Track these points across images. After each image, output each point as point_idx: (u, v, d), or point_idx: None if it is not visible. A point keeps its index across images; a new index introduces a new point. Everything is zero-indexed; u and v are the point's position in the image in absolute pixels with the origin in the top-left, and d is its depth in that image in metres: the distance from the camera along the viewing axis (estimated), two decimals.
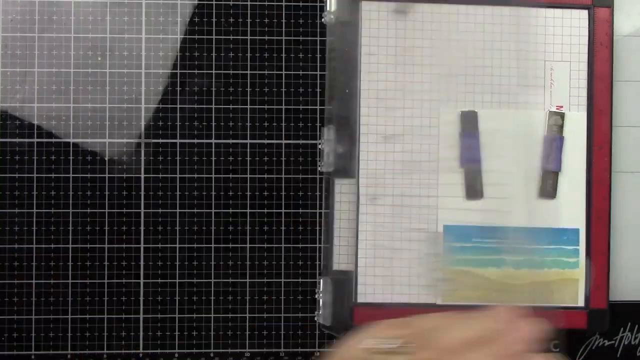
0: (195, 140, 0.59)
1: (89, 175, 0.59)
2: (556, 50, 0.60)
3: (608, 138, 0.59)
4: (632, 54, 0.61)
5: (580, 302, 0.59)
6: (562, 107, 0.60)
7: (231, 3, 0.60)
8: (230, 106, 0.60)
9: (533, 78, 0.60)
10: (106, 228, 0.59)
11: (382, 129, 0.59)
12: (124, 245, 0.59)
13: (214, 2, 0.60)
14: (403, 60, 0.59)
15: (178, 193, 0.59)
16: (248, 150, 0.60)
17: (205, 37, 0.60)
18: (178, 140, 0.59)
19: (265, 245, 0.60)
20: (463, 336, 0.44)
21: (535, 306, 0.59)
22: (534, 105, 0.60)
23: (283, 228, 0.60)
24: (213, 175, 0.59)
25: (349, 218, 0.59)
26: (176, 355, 0.60)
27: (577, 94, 0.60)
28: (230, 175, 0.60)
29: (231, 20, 0.60)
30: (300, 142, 0.60)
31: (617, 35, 0.61)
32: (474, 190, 0.59)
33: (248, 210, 0.60)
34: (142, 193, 0.59)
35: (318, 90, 0.60)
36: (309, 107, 0.60)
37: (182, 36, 0.60)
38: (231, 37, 0.60)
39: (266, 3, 0.60)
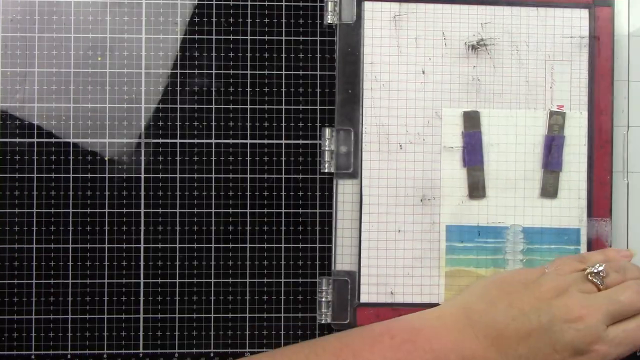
0: (195, 140, 0.59)
1: (89, 175, 0.59)
2: (557, 50, 0.60)
3: (609, 137, 0.59)
4: (632, 53, 0.61)
5: None
6: (563, 106, 0.60)
7: (231, 3, 0.60)
8: (230, 106, 0.60)
9: (534, 78, 0.60)
10: (106, 228, 0.59)
11: (385, 129, 0.59)
12: (124, 245, 0.59)
13: (214, 2, 0.60)
14: (406, 60, 0.59)
15: (178, 193, 0.59)
16: (248, 150, 0.60)
17: (205, 37, 0.60)
18: (178, 140, 0.59)
19: (265, 245, 0.60)
20: None
21: None
22: (535, 104, 0.60)
23: (283, 228, 0.60)
24: (213, 175, 0.59)
25: (351, 218, 0.59)
26: (176, 355, 0.59)
27: (578, 93, 0.60)
28: (230, 175, 0.60)
29: (231, 20, 0.60)
30: (300, 142, 0.60)
31: (617, 35, 0.61)
32: (476, 190, 0.59)
33: (248, 210, 0.60)
34: (142, 193, 0.59)
35: (318, 90, 0.60)
36: (309, 107, 0.60)
37: (182, 36, 0.60)
38: (231, 37, 0.60)
39: (266, 3, 0.60)
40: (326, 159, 0.59)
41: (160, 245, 0.59)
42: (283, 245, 0.60)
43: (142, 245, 0.59)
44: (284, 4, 0.60)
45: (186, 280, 0.59)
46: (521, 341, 0.52)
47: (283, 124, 0.60)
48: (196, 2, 0.60)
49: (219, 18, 0.60)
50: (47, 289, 0.59)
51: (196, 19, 0.60)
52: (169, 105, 0.59)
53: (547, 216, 0.59)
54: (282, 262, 0.60)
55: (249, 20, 0.60)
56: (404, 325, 0.55)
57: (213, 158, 0.59)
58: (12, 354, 0.59)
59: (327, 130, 0.59)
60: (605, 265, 0.54)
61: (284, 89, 0.60)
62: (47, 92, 0.59)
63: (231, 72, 0.60)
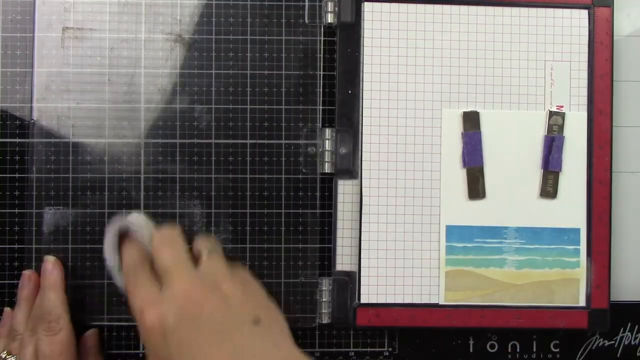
0: (195, 140, 0.59)
1: (88, 176, 0.59)
2: (556, 50, 0.60)
3: (608, 138, 0.59)
4: (632, 53, 0.61)
5: (582, 302, 0.59)
6: (562, 106, 0.60)
7: (231, 3, 0.60)
8: (230, 106, 0.60)
9: (533, 78, 0.60)
10: (106, 228, 0.59)
11: (385, 129, 0.59)
12: None
13: (213, 2, 0.60)
14: (405, 61, 0.59)
15: (178, 193, 0.59)
16: (248, 150, 0.60)
17: (205, 37, 0.60)
18: (178, 140, 0.59)
19: (265, 246, 0.60)
20: None
21: (537, 306, 0.59)
22: (535, 105, 0.60)
23: (283, 228, 0.60)
24: (213, 176, 0.59)
25: (352, 219, 0.59)
26: None
27: (577, 93, 0.60)
28: (230, 175, 0.59)
29: (231, 20, 0.60)
30: (300, 142, 0.60)
31: (617, 35, 0.61)
32: (476, 190, 0.59)
33: (248, 211, 0.60)
34: (142, 193, 0.59)
35: (318, 90, 0.60)
36: (309, 107, 0.60)
37: (183, 36, 0.59)
38: (231, 37, 0.60)
39: (266, 3, 0.60)
40: (326, 160, 0.59)
41: None
42: (283, 246, 0.60)
43: None
44: (283, 3, 0.60)
45: None
46: None
47: (283, 124, 0.60)
48: (196, 2, 0.60)
49: (219, 18, 0.60)
50: None
51: (196, 19, 0.60)
52: (169, 105, 0.59)
53: (547, 216, 0.59)
54: (282, 262, 0.60)
55: (249, 20, 0.60)
56: None
57: (213, 158, 0.59)
58: None
59: (327, 131, 0.59)
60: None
61: (283, 89, 0.60)
62: (47, 91, 0.59)
63: (231, 72, 0.60)
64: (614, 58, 0.60)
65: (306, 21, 0.60)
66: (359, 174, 0.59)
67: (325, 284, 0.59)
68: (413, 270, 0.59)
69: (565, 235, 0.59)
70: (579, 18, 0.60)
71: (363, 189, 0.59)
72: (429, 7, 0.60)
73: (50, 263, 0.57)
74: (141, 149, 0.59)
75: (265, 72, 0.60)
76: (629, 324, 0.61)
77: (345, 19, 0.59)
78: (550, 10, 0.60)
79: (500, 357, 0.61)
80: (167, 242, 0.54)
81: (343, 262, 0.59)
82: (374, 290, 0.59)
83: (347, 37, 0.59)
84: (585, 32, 0.60)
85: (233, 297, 0.51)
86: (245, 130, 0.60)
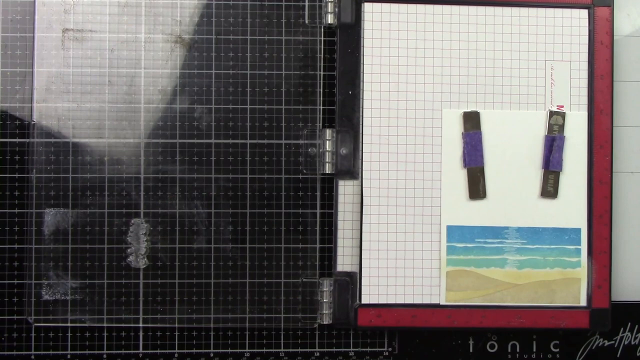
0: (195, 140, 0.59)
1: (88, 176, 0.59)
2: (556, 50, 0.60)
3: (609, 137, 0.60)
4: (632, 53, 0.61)
5: (583, 302, 0.59)
6: (562, 106, 0.60)
7: (231, 3, 0.60)
8: (230, 106, 0.60)
9: (534, 78, 0.60)
10: (106, 228, 0.59)
11: (386, 130, 0.59)
12: (123, 246, 0.59)
13: (213, 2, 0.60)
14: (405, 61, 0.59)
15: (178, 193, 0.59)
16: (248, 150, 0.60)
17: (205, 37, 0.60)
18: (178, 140, 0.59)
19: (265, 246, 0.60)
20: None
21: (538, 306, 0.59)
22: (535, 105, 0.60)
23: (283, 228, 0.60)
24: (213, 175, 0.59)
25: (352, 219, 0.59)
26: (176, 355, 0.60)
27: (577, 93, 0.60)
28: (230, 175, 0.59)
29: (231, 20, 0.60)
30: (300, 142, 0.60)
31: (617, 35, 0.61)
32: (476, 190, 0.59)
33: (248, 211, 0.60)
34: (142, 193, 0.59)
35: (318, 90, 0.60)
36: (309, 107, 0.60)
37: (182, 36, 0.59)
38: (231, 37, 0.60)
39: (266, 3, 0.60)
40: (326, 160, 0.59)
41: (160, 246, 0.59)
42: (283, 246, 0.60)
43: (142, 245, 0.59)
44: (283, 3, 0.60)
45: (186, 281, 0.59)
46: None
47: (283, 124, 0.60)
48: (196, 2, 0.60)
49: (219, 18, 0.60)
50: (47, 289, 0.59)
51: (196, 19, 0.60)
52: (169, 105, 0.59)
53: (548, 216, 0.59)
54: (282, 262, 0.60)
55: (249, 20, 0.60)
56: None
57: (213, 158, 0.59)
58: (12, 354, 0.59)
59: (328, 131, 0.59)
60: None
61: (283, 89, 0.60)
62: (47, 92, 0.59)
63: (231, 72, 0.60)
64: (614, 58, 0.60)
65: (306, 21, 0.60)
66: (360, 175, 0.59)
67: (326, 285, 0.59)
68: (414, 270, 0.59)
69: (566, 235, 0.59)
70: (579, 18, 0.60)
71: (364, 189, 0.59)
72: (429, 7, 0.60)
73: None
74: (141, 149, 0.59)
75: (265, 72, 0.60)
76: (629, 323, 0.61)
77: (346, 20, 0.59)
78: (550, 10, 0.60)
79: (500, 357, 0.61)
80: None
81: (344, 262, 0.59)
82: (375, 290, 0.59)
83: (347, 37, 0.59)
84: (585, 31, 0.60)
85: None
86: (245, 130, 0.60)
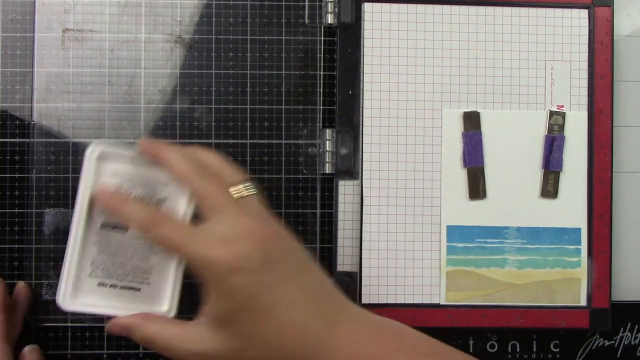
0: (196, 140, 0.59)
1: None
2: (556, 50, 0.60)
3: (609, 137, 0.60)
4: (632, 53, 0.61)
5: (583, 302, 0.59)
6: (562, 106, 0.60)
7: (231, 3, 0.60)
8: (230, 106, 0.60)
9: (534, 78, 0.60)
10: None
11: (386, 130, 0.59)
12: None
13: (213, 2, 0.60)
14: (405, 61, 0.59)
15: None
16: (248, 150, 0.60)
17: (205, 37, 0.60)
18: (178, 141, 0.59)
19: None
20: None
21: (538, 305, 0.59)
22: (535, 105, 0.60)
23: None
24: None
25: (352, 219, 0.59)
26: None
27: (577, 93, 0.60)
28: None
29: (231, 20, 0.60)
30: (300, 142, 0.60)
31: (617, 35, 0.61)
32: (476, 190, 0.59)
33: None
34: None
35: (318, 90, 0.60)
36: (309, 107, 0.60)
37: (183, 36, 0.59)
38: (231, 37, 0.60)
39: (266, 3, 0.60)
40: (327, 160, 0.59)
41: None
42: None
43: None
44: (283, 3, 0.60)
45: (186, 281, 0.59)
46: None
47: (283, 124, 0.60)
48: (196, 2, 0.60)
49: (219, 18, 0.60)
50: (47, 289, 0.59)
51: (196, 19, 0.60)
52: (169, 105, 0.59)
53: (548, 216, 0.59)
54: None
55: (248, 20, 0.60)
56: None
57: None
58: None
59: (328, 131, 0.59)
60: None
61: (283, 89, 0.60)
62: (47, 92, 0.59)
63: (231, 72, 0.60)
64: (614, 58, 0.60)
65: (306, 21, 0.60)
66: (360, 175, 0.59)
67: None
68: (414, 270, 0.59)
69: (566, 235, 0.59)
70: (579, 18, 0.60)
71: (364, 189, 0.59)
72: (429, 7, 0.60)
73: None
74: None
75: (265, 72, 0.60)
76: (629, 323, 0.61)
77: (346, 20, 0.59)
78: (550, 10, 0.60)
79: (500, 357, 0.61)
80: (202, 170, 0.48)
81: (344, 262, 0.59)
82: (375, 290, 0.59)
83: (347, 37, 0.59)
84: (585, 31, 0.60)
85: (289, 235, 0.48)
86: (245, 130, 0.60)
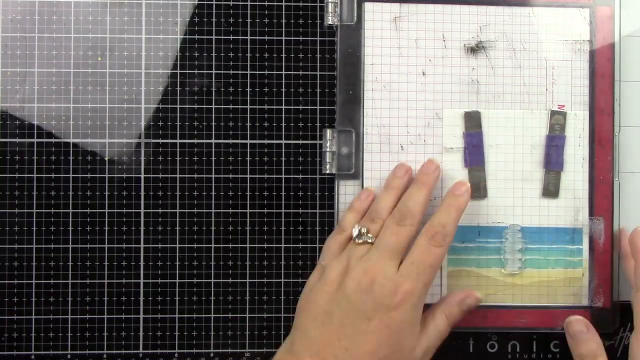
0: (195, 140, 0.59)
1: (89, 175, 0.59)
2: (557, 49, 0.60)
3: (610, 137, 0.59)
4: (632, 53, 0.61)
5: (584, 302, 0.59)
6: (563, 106, 0.60)
7: (231, 3, 0.60)
8: (230, 106, 0.60)
9: (535, 77, 0.60)
10: (106, 228, 0.59)
11: (386, 130, 0.59)
12: (124, 245, 0.59)
13: (214, 2, 0.60)
14: (406, 61, 0.59)
15: (178, 193, 0.59)
16: (248, 150, 0.60)
17: (205, 37, 0.60)
18: (178, 140, 0.59)
19: (265, 245, 0.60)
20: None
21: (540, 306, 0.59)
22: (536, 104, 0.60)
23: (283, 228, 0.60)
24: (213, 175, 0.59)
25: None
26: (176, 355, 0.59)
27: (578, 93, 0.60)
28: (230, 175, 0.59)
29: (231, 20, 0.60)
30: (301, 142, 0.60)
31: (618, 34, 0.61)
32: (477, 190, 0.59)
33: (248, 211, 0.59)
34: (142, 193, 0.59)
35: (318, 90, 0.60)
36: (309, 107, 0.60)
37: (182, 36, 0.59)
38: (231, 37, 0.60)
39: (266, 3, 0.60)
40: (327, 160, 0.59)
41: (160, 245, 0.59)
42: (283, 246, 0.60)
43: (142, 246, 0.59)
44: (283, 4, 0.60)
45: (186, 281, 0.59)
46: (338, 336, 0.51)
47: (283, 124, 0.60)
48: (196, 2, 0.60)
49: (219, 18, 0.60)
50: (47, 289, 0.59)
51: (196, 19, 0.60)
52: (169, 105, 0.59)
53: (549, 216, 0.59)
54: (282, 262, 0.60)
55: (249, 20, 0.60)
56: None
57: (213, 158, 0.59)
58: (12, 354, 0.59)
59: (328, 131, 0.59)
60: (359, 223, 0.55)
61: (284, 89, 0.60)
62: (47, 92, 0.59)
63: (231, 72, 0.60)
64: (615, 58, 0.60)
65: (306, 21, 0.60)
66: (360, 175, 0.59)
67: None
68: None
69: (567, 234, 0.59)
70: (580, 17, 0.60)
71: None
72: (430, 7, 0.60)
73: (433, 165, 0.57)
74: (141, 149, 0.59)
75: (265, 72, 0.60)
76: (629, 324, 0.61)
77: (346, 20, 0.59)
78: (550, 10, 0.60)
79: (500, 357, 0.61)
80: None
81: None
82: None
83: (348, 37, 0.59)
84: (586, 31, 0.60)
85: None
86: (246, 130, 0.60)
